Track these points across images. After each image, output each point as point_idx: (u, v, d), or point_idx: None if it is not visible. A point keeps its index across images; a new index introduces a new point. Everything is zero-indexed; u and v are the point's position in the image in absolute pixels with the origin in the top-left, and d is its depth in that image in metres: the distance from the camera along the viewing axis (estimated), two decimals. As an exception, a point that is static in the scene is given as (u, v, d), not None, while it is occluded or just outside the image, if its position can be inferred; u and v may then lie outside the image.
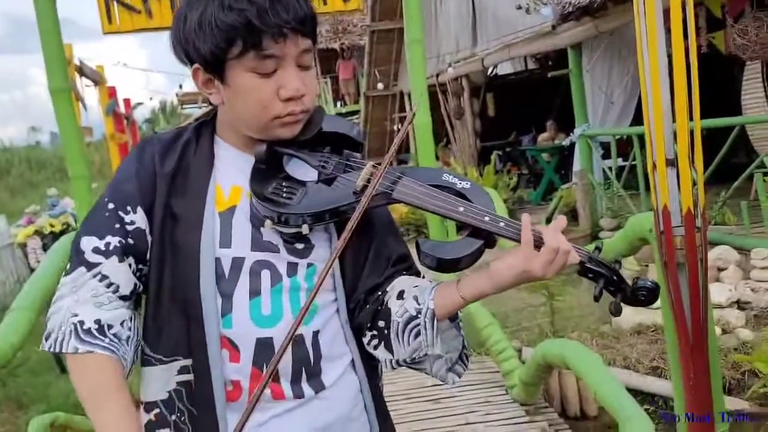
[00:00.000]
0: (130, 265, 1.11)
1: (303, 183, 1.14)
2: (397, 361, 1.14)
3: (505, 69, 12.80)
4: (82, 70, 7.16)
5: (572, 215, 7.59)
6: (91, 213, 1.14)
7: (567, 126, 9.53)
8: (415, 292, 1.12)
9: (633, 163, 6.82)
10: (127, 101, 10.13)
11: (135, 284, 1.12)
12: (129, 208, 1.11)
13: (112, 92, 8.62)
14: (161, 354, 1.13)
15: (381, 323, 1.14)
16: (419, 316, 1.09)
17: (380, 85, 13.48)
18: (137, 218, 1.11)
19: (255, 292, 1.12)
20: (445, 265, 1.08)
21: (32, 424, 2.88)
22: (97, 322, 1.07)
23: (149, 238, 1.12)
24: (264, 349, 1.11)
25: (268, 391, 1.12)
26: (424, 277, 1.22)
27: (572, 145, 8.24)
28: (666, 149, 1.48)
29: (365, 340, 1.18)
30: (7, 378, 4.18)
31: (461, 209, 1.08)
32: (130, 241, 1.11)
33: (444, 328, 1.12)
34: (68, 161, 4.02)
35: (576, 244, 1.06)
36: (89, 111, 8.01)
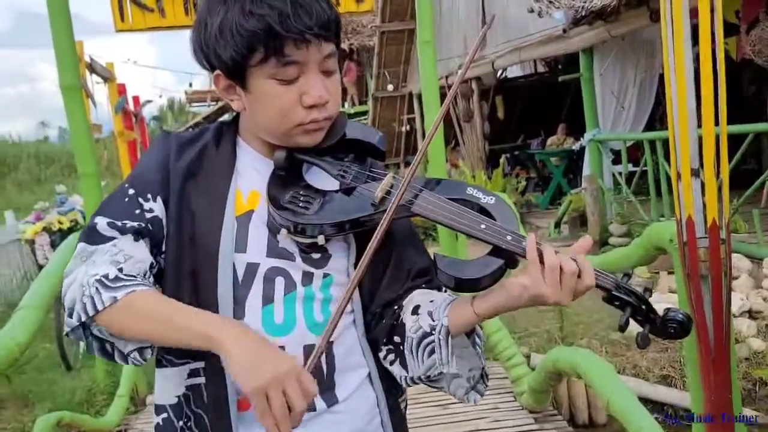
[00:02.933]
0: (146, 245, 1.07)
1: (321, 192, 1.11)
2: (412, 378, 1.11)
3: (514, 72, 12.77)
4: (92, 67, 7.16)
5: (581, 220, 7.55)
6: (110, 198, 1.10)
7: (576, 130, 9.49)
8: (430, 307, 1.09)
9: (644, 168, 6.78)
10: (136, 98, 10.13)
11: (152, 263, 1.07)
12: (149, 196, 1.08)
13: (121, 89, 8.61)
14: (173, 355, 1.10)
15: (396, 339, 1.11)
16: (433, 332, 1.05)
17: (390, 87, 13.45)
18: (156, 207, 1.08)
19: (268, 299, 1.09)
20: (463, 285, 1.04)
21: (38, 424, 2.88)
22: (120, 270, 1.01)
23: (165, 229, 1.09)
24: None
25: None
26: (445, 291, 1.17)
27: (581, 149, 8.21)
28: (691, 158, 1.45)
29: (381, 355, 1.15)
30: (13, 375, 4.18)
31: (483, 227, 1.03)
32: (149, 226, 1.07)
33: (462, 345, 1.09)
34: (78, 159, 4.00)
35: (602, 271, 1.01)
36: (98, 108, 8.01)
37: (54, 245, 5.70)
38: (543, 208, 9.59)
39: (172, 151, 1.12)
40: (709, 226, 1.47)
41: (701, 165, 1.49)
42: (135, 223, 1.06)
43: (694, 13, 1.49)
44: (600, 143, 7.54)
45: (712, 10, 1.42)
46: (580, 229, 7.50)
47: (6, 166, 24.41)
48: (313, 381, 0.95)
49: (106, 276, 1.00)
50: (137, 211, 1.07)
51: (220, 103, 19.20)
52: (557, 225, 7.78)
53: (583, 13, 6.74)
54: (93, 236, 1.05)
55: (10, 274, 8.49)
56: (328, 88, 1.08)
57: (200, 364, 1.09)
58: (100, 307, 0.98)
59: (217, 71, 1.08)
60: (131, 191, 1.09)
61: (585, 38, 7.32)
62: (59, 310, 4.95)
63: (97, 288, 0.99)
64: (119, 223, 1.05)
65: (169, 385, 1.11)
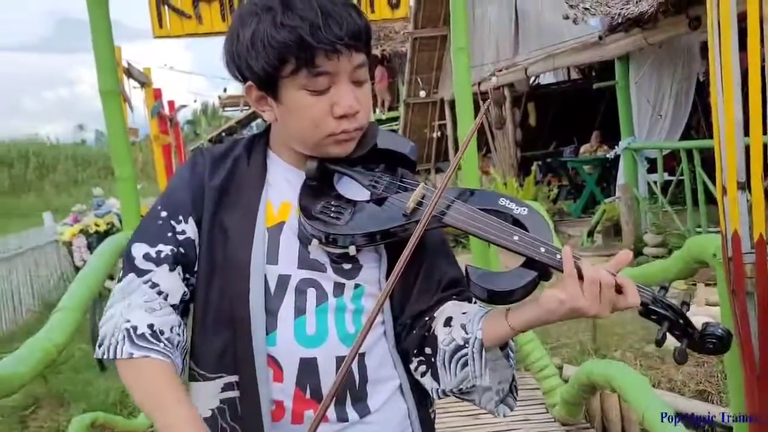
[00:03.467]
0: (179, 274, 1.09)
1: (352, 202, 1.11)
2: (443, 391, 1.10)
3: (547, 78, 12.66)
4: (130, 72, 7.28)
5: (615, 230, 7.45)
6: (144, 221, 1.13)
7: (610, 138, 9.37)
8: (463, 319, 1.07)
9: (680, 178, 6.66)
10: (171, 103, 10.27)
11: (184, 292, 1.10)
12: (181, 217, 1.10)
13: (157, 94, 8.74)
14: (206, 370, 1.11)
15: (428, 350, 1.10)
16: (467, 345, 1.04)
17: (422, 93, 13.45)
18: (188, 228, 1.10)
19: (300, 311, 1.09)
20: (495, 297, 1.02)
21: (73, 424, 2.92)
22: (150, 326, 1.04)
23: (198, 249, 1.10)
24: (307, 369, 1.09)
25: (311, 412, 1.09)
26: (475, 302, 1.16)
27: (616, 157, 8.09)
28: (738, 171, 1.41)
29: (412, 366, 1.14)
30: (49, 375, 4.26)
31: (515, 238, 1.02)
32: (181, 250, 1.09)
33: (494, 358, 1.07)
34: (115, 163, 4.06)
35: (639, 285, 0.99)
36: (135, 112, 8.14)
37: (90, 247, 5.79)
38: (575, 216, 9.48)
39: (207, 169, 1.14)
40: (756, 241, 1.42)
41: (748, 177, 1.45)
42: (168, 249, 1.08)
43: (740, 17, 1.46)
44: (635, 152, 7.42)
45: (761, 17, 1.38)
46: (614, 238, 7.40)
47: (45, 168, 25.02)
48: None
49: (135, 329, 1.04)
50: (170, 234, 1.09)
51: (252, 108, 19.41)
52: (590, 234, 7.67)
53: (620, 20, 6.66)
54: (133, 268, 1.09)
55: (47, 275, 8.68)
56: (358, 98, 1.08)
57: (234, 378, 1.09)
58: (118, 356, 1.03)
59: (249, 82, 1.09)
60: (164, 213, 1.11)
61: (621, 45, 7.22)
62: (95, 311, 5.04)
63: (123, 336, 1.03)
64: (154, 253, 1.08)
65: (203, 399, 1.12)
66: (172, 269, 1.08)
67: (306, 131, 1.08)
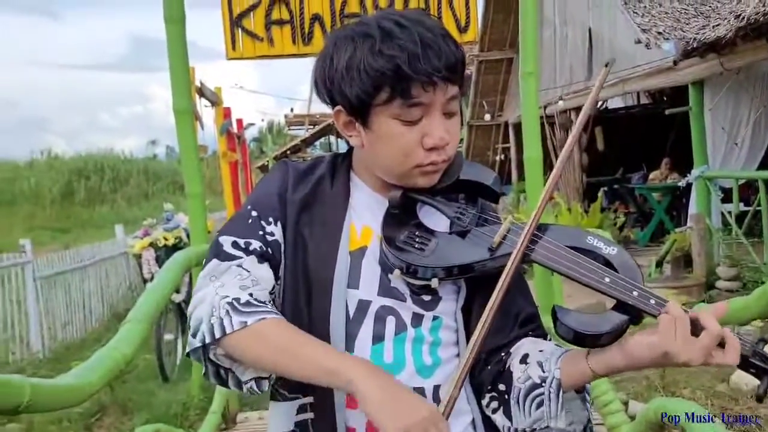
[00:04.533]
0: (268, 269, 1.07)
1: (435, 233, 1.09)
2: (516, 430, 1.06)
3: (615, 103, 12.39)
4: (202, 92, 7.50)
5: (685, 261, 7.16)
6: (233, 218, 1.13)
7: (680, 165, 9.06)
8: (540, 357, 1.04)
9: (757, 208, 6.37)
10: (239, 121, 10.51)
11: (273, 286, 1.07)
12: (271, 219, 1.10)
13: (227, 113, 8.96)
14: (286, 389, 1.10)
15: (501, 386, 1.07)
16: (543, 384, 1.01)
17: (487, 116, 13.38)
18: (276, 231, 1.09)
19: (378, 338, 1.08)
20: (582, 340, 0.98)
21: (135, 434, 2.98)
22: (251, 295, 1.01)
23: (283, 255, 1.09)
24: None
25: None
26: (550, 339, 1.14)
27: (687, 185, 7.81)
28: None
29: (484, 402, 1.11)
30: (115, 383, 4.38)
31: (607, 280, 0.98)
32: (269, 250, 1.08)
33: (569, 399, 1.03)
34: (186, 179, 4.17)
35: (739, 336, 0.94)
36: (205, 129, 8.38)
37: (159, 260, 5.97)
38: (642, 245, 9.18)
39: (289, 182, 1.14)
40: None
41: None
42: (258, 244, 1.07)
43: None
44: (709, 180, 7.15)
45: None
46: (684, 269, 7.12)
47: (118, 182, 26.04)
48: (449, 429, 0.94)
49: (237, 300, 1.00)
50: (260, 232, 1.09)
51: (317, 128, 19.73)
52: (659, 264, 7.40)
53: (695, 45, 6.46)
54: (220, 255, 1.06)
55: (117, 285, 9.00)
56: (449, 130, 1.06)
57: (309, 399, 1.08)
58: (228, 330, 0.97)
59: (339, 107, 1.08)
60: (254, 213, 1.11)
61: (695, 71, 7.00)
62: (160, 323, 5.17)
63: (227, 311, 0.98)
64: (243, 243, 1.07)
65: (280, 420, 1.11)
66: (260, 262, 1.06)
67: (394, 160, 1.07)
